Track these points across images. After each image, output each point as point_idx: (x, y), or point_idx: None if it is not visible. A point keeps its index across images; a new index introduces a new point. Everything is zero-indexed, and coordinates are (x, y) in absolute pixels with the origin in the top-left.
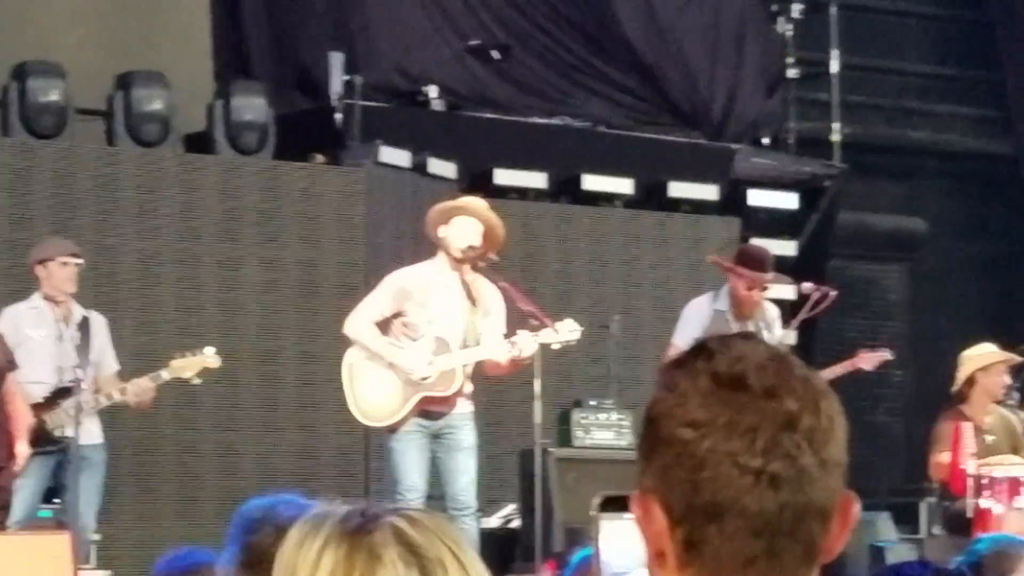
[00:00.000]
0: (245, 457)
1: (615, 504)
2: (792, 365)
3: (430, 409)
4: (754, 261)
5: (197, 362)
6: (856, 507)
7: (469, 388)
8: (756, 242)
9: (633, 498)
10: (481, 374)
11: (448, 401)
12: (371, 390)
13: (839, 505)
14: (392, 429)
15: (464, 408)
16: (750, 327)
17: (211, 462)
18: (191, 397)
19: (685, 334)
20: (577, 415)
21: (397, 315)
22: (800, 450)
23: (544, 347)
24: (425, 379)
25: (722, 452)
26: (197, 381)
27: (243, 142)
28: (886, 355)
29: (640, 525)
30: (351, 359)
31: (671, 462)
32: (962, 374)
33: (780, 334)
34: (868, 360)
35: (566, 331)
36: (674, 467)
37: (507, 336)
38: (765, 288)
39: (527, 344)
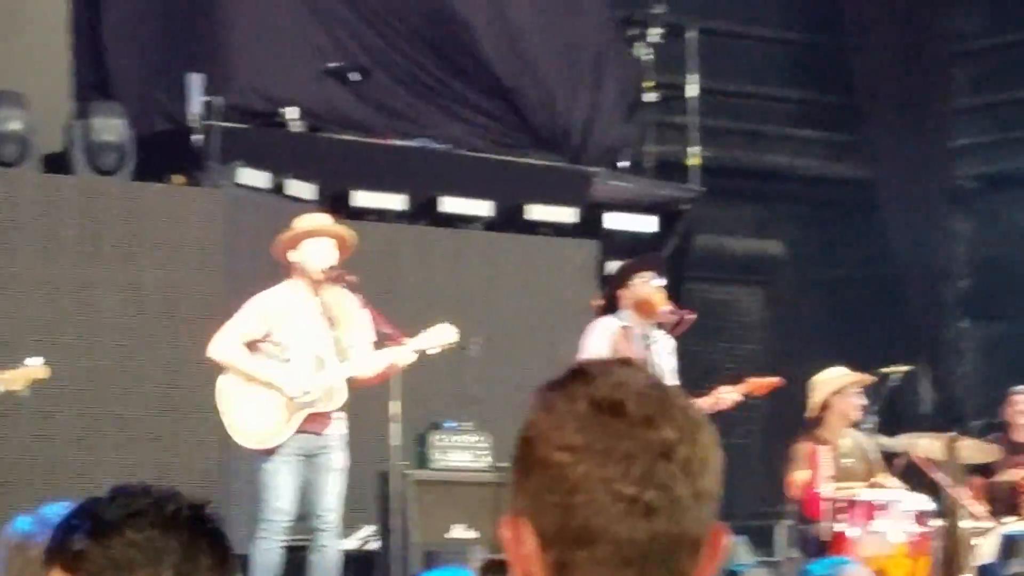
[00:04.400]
0: (102, 481)
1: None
2: (671, 395)
3: (308, 428)
4: (642, 261)
5: (26, 374)
6: (725, 539)
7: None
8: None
9: (504, 520)
10: (351, 391)
11: (326, 420)
12: (251, 412)
13: (710, 537)
14: (270, 451)
15: (339, 428)
16: (653, 341)
17: (68, 486)
18: (47, 418)
19: (592, 352)
20: (434, 437)
21: (264, 338)
22: (675, 480)
23: (412, 362)
24: (308, 398)
25: (596, 478)
26: (27, 394)
27: (102, 162)
28: (775, 381)
29: (509, 547)
30: (224, 383)
31: (545, 485)
32: (816, 398)
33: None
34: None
35: (440, 333)
36: (547, 490)
37: (376, 344)
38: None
39: (402, 353)
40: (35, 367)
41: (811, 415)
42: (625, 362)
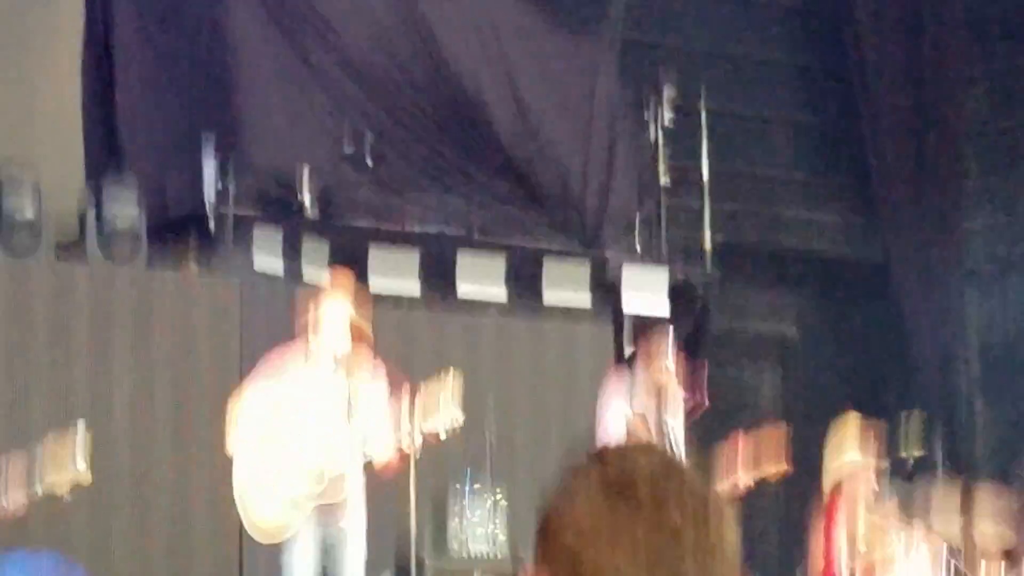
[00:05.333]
0: (119, 571)
1: None
2: (685, 477)
3: (325, 519)
4: (662, 336)
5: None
6: None
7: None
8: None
9: None
10: (371, 471)
11: (339, 511)
12: (266, 505)
13: None
14: (288, 544)
15: (356, 521)
16: (667, 409)
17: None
18: (63, 512)
19: (610, 433)
20: (453, 526)
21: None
22: (684, 564)
23: (428, 445)
24: (311, 494)
25: (605, 563)
26: (70, 499)
27: (116, 251)
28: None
29: None
30: (240, 476)
31: (559, 569)
32: (827, 484)
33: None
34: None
35: (446, 416)
36: (561, 571)
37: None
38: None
39: (414, 435)
40: (79, 472)
41: (827, 495)
42: (643, 445)
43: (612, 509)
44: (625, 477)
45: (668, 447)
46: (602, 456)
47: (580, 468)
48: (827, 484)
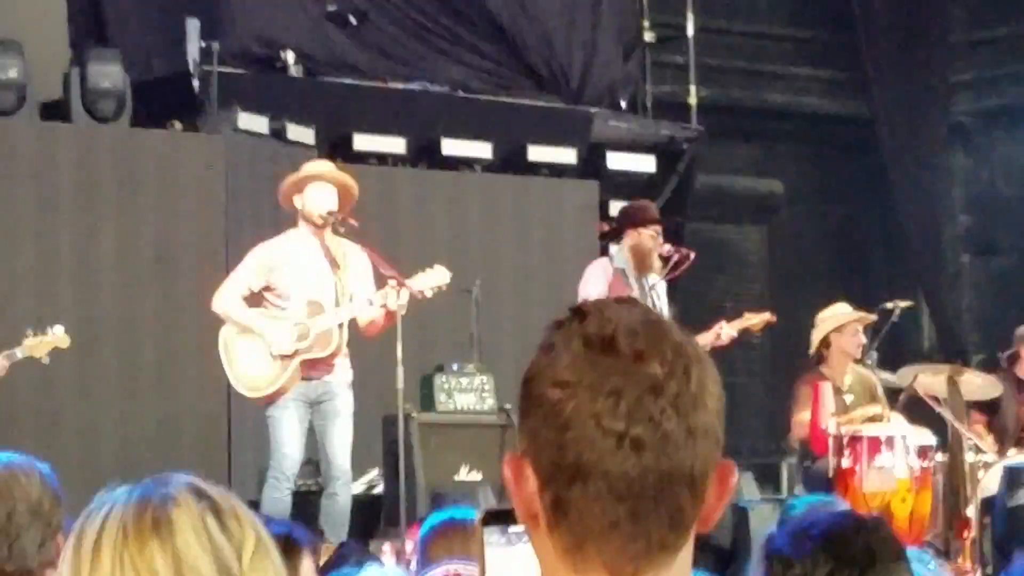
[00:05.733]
0: (105, 430)
1: (498, 518)
2: (665, 330)
3: (310, 374)
4: (650, 211)
5: (48, 342)
6: (734, 477)
7: (347, 352)
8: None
9: (508, 458)
10: (357, 339)
11: (327, 364)
12: (249, 362)
13: (716, 474)
14: (272, 399)
15: (342, 374)
16: (650, 284)
17: (71, 436)
18: (48, 370)
19: (589, 295)
20: (439, 380)
21: (267, 288)
22: (664, 415)
23: (413, 303)
24: (291, 352)
25: (586, 413)
26: (46, 361)
27: (100, 109)
28: (768, 316)
29: (511, 486)
30: (225, 335)
31: (540, 423)
32: (816, 336)
33: (665, 306)
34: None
35: (436, 276)
36: (543, 427)
37: (378, 288)
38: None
39: (400, 295)
40: (58, 336)
41: (813, 353)
42: (624, 300)
43: (592, 362)
44: (606, 331)
45: (651, 304)
46: (583, 311)
47: (562, 323)
48: (815, 337)
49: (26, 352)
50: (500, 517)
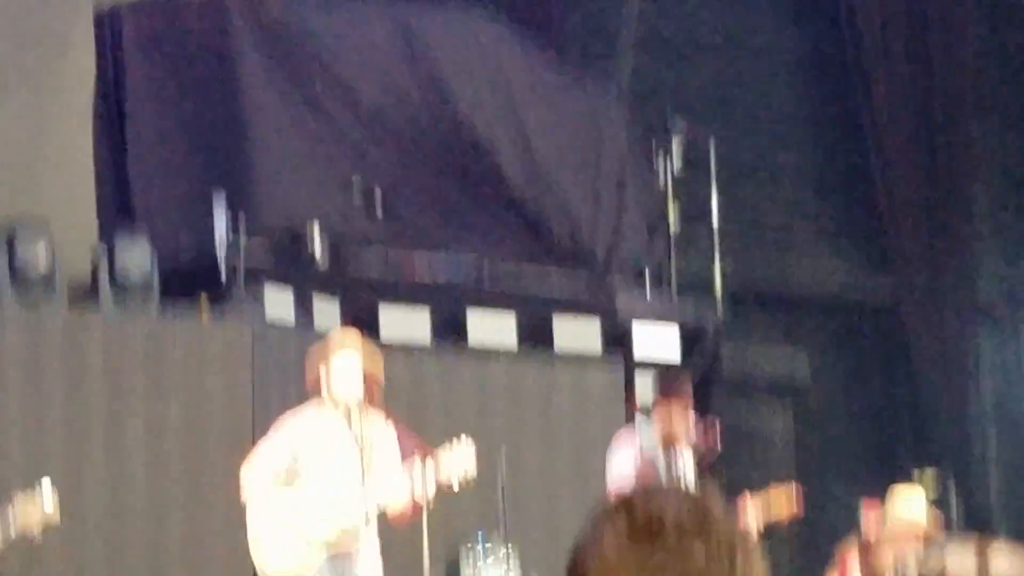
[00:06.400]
0: None
1: None
2: (710, 518)
3: (337, 554)
4: (679, 385)
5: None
6: None
7: (374, 535)
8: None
9: None
10: (385, 522)
11: (354, 559)
12: (277, 546)
13: None
14: None
15: (370, 548)
16: (677, 460)
17: None
18: (76, 548)
19: (618, 477)
20: (466, 560)
21: (292, 467)
22: None
23: (439, 491)
24: (317, 543)
25: None
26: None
27: (128, 297)
28: (791, 492)
29: None
30: (254, 515)
31: None
32: (870, 530)
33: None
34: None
35: (460, 455)
36: None
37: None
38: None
39: (427, 475)
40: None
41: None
42: (671, 489)
43: (639, 552)
44: (652, 521)
45: (678, 478)
46: (630, 501)
47: (608, 512)
48: (869, 530)
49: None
50: None
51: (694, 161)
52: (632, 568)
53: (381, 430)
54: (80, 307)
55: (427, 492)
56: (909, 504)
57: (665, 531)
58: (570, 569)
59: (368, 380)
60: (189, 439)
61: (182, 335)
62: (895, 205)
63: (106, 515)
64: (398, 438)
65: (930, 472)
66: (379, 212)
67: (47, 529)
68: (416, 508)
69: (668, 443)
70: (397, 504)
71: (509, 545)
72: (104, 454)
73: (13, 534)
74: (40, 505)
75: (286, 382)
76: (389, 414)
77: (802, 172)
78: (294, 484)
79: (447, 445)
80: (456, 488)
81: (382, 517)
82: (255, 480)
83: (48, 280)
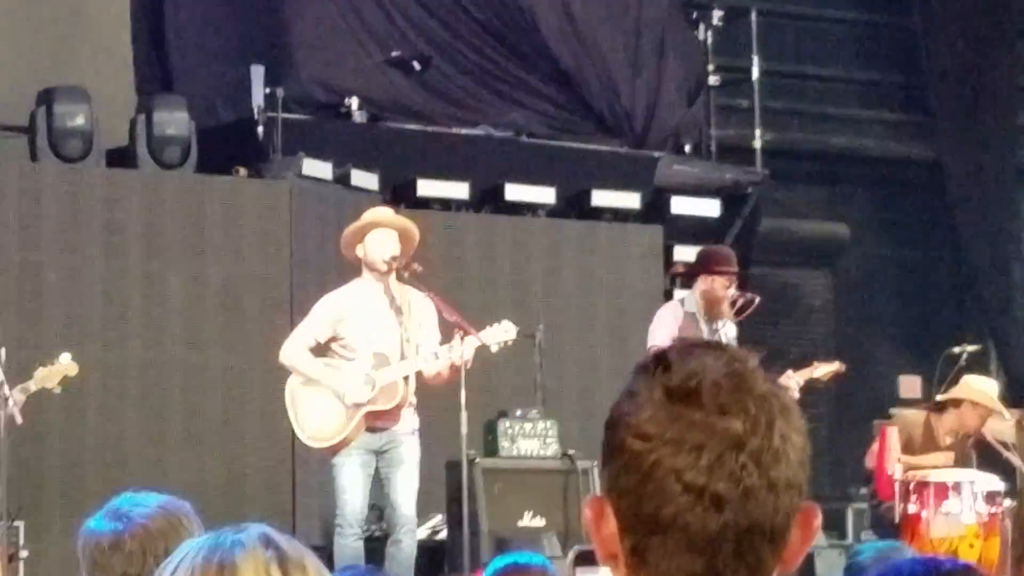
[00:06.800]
0: (171, 474)
1: (588, 560)
2: (749, 382)
3: (375, 424)
4: (725, 259)
5: (58, 371)
6: (817, 520)
7: (413, 401)
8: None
9: (590, 500)
10: (422, 385)
11: (392, 415)
12: (314, 413)
13: (799, 519)
14: (336, 449)
15: (408, 423)
16: (719, 331)
17: (137, 480)
18: (115, 413)
19: (657, 339)
20: (503, 425)
21: (333, 339)
22: (745, 471)
23: (477, 351)
24: (362, 399)
25: (667, 468)
26: (58, 391)
27: (166, 156)
28: (837, 367)
29: (593, 527)
30: (291, 385)
31: (621, 470)
32: (960, 393)
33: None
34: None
35: (502, 331)
36: (623, 475)
37: (442, 343)
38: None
39: (465, 347)
40: (67, 364)
41: (941, 399)
42: (709, 346)
43: (675, 416)
44: (689, 383)
45: None
46: (666, 358)
47: (645, 369)
48: (958, 393)
49: (38, 384)
50: (590, 559)
51: (734, 26)
52: (668, 433)
53: (419, 301)
54: (118, 162)
55: (465, 356)
56: (983, 389)
57: (702, 392)
58: (608, 424)
59: (405, 254)
60: (227, 294)
61: (219, 189)
62: (939, 63)
63: (146, 372)
64: (437, 309)
65: (971, 339)
66: (416, 64)
67: (86, 388)
68: (453, 371)
69: (711, 316)
70: (435, 368)
71: (546, 418)
72: (142, 309)
73: (48, 385)
74: (65, 364)
75: (323, 236)
76: (429, 286)
77: (844, 27)
78: (335, 355)
79: (487, 325)
80: (495, 351)
81: (421, 392)
82: (296, 352)
83: (87, 140)
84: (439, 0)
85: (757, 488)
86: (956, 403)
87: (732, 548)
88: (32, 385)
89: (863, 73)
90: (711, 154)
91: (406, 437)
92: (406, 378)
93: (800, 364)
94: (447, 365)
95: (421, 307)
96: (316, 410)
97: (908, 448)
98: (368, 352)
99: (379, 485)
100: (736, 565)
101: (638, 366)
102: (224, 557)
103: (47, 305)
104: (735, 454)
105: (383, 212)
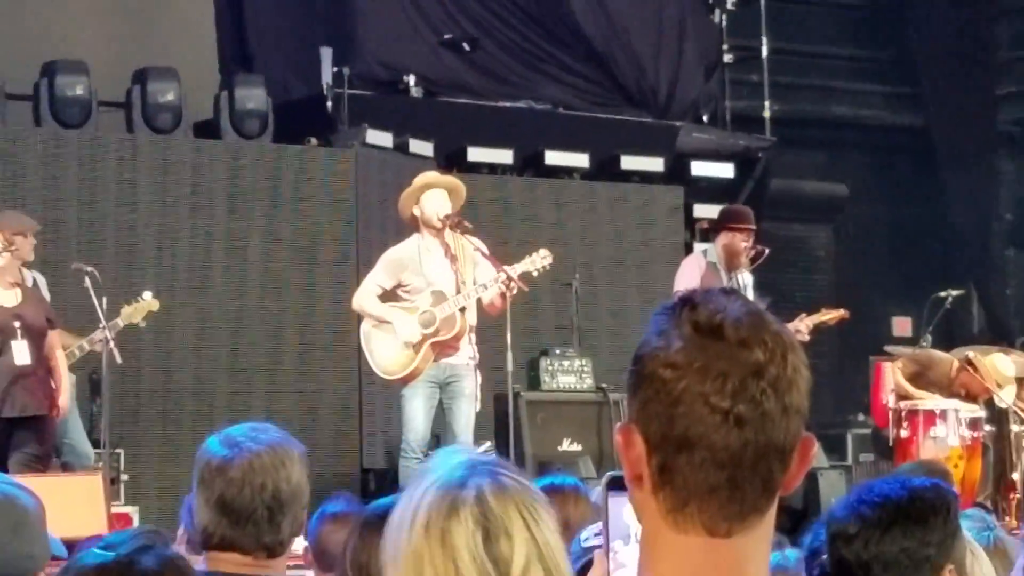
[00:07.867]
0: (254, 404)
1: (621, 484)
2: (765, 320)
3: (440, 355)
4: (745, 216)
5: (142, 307)
6: (814, 448)
7: (472, 334)
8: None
9: (619, 427)
10: (482, 314)
11: (453, 344)
12: (385, 350)
13: (800, 446)
14: (406, 380)
15: (467, 355)
16: (737, 278)
17: (223, 410)
18: (204, 352)
19: (682, 285)
20: (544, 362)
21: (398, 285)
22: (765, 395)
23: (523, 295)
24: (420, 338)
25: (695, 392)
26: (143, 325)
27: (246, 128)
28: (843, 313)
29: (621, 451)
30: (365, 328)
31: (651, 397)
32: (983, 369)
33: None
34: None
35: (540, 257)
36: (653, 401)
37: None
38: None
39: (512, 273)
40: (149, 301)
41: (961, 363)
42: (728, 291)
43: (702, 347)
44: (714, 319)
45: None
46: (692, 300)
47: (672, 311)
48: (984, 370)
49: (125, 320)
50: (620, 484)
51: (745, 10)
52: (696, 362)
53: (469, 249)
54: (203, 133)
55: (510, 287)
56: (1005, 374)
57: (725, 327)
58: (637, 357)
59: (454, 209)
60: (300, 247)
61: (293, 157)
62: (926, 39)
63: (229, 317)
64: (486, 258)
65: (955, 285)
66: (468, 63)
67: (177, 331)
68: (503, 300)
69: (730, 267)
70: (488, 296)
71: (582, 356)
72: (225, 264)
73: (134, 320)
74: (148, 301)
75: (384, 198)
76: (479, 243)
77: (842, 9)
78: (400, 299)
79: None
80: (535, 275)
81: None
82: (365, 298)
83: (176, 114)
84: None
85: (773, 411)
86: (976, 369)
87: (750, 463)
88: (120, 321)
89: (860, 50)
90: (726, 123)
91: (467, 371)
92: (463, 310)
93: (805, 308)
94: (497, 294)
95: (471, 253)
96: (387, 348)
97: (917, 380)
98: (428, 293)
99: (441, 414)
100: (752, 479)
101: (664, 307)
102: (445, 516)
103: (142, 258)
104: (756, 380)
105: (432, 174)
